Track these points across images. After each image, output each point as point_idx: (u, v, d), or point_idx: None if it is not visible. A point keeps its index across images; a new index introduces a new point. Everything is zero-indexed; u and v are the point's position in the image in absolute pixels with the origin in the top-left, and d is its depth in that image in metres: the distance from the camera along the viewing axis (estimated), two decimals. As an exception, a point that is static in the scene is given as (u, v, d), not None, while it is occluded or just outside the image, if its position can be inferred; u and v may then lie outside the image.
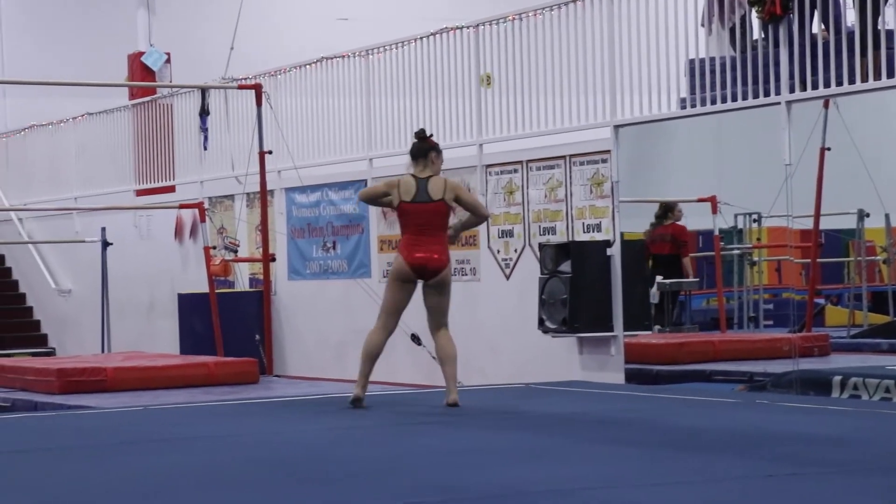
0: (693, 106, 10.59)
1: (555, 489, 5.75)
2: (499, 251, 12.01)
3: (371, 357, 9.09)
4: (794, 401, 9.12)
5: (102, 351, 15.67)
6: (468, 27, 12.34)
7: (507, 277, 11.94)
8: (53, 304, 18.05)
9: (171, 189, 16.39)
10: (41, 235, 18.23)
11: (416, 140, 9.20)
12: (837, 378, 9.50)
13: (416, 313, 12.49)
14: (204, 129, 15.05)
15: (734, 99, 10.28)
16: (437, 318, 9.07)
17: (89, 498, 5.90)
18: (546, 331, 11.05)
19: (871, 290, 13.46)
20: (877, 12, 9.53)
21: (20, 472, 6.74)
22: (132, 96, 17.74)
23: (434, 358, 11.74)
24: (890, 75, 9.32)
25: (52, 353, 16.91)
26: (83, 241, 16.48)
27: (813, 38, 9.84)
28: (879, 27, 9.52)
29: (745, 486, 5.76)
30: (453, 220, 9.27)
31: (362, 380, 9.06)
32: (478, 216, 9.29)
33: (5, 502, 5.86)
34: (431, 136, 9.30)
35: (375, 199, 9.35)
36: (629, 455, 6.74)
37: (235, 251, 14.60)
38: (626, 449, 6.95)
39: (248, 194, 14.52)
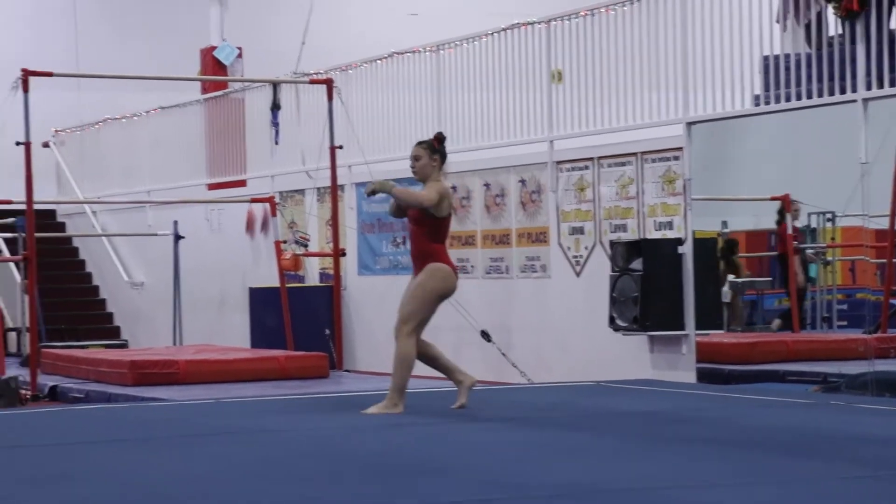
0: (767, 103, 10.50)
1: (630, 488, 5.72)
2: (569, 248, 11.98)
3: (412, 368, 8.69)
4: (869, 402, 9.01)
5: (174, 344, 15.81)
6: (540, 23, 12.31)
7: (578, 275, 11.91)
8: (126, 297, 18.23)
9: (243, 183, 16.49)
10: (114, 228, 18.41)
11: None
12: (914, 380, 9.39)
13: (484, 309, 12.51)
14: (275, 124, 15.11)
15: (809, 96, 10.18)
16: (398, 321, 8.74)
17: (160, 489, 5.95)
18: (616, 329, 11.00)
19: (949, 290, 13.26)
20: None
21: (93, 463, 6.81)
22: (204, 91, 17.87)
23: (503, 355, 11.76)
24: (969, 73, 9.19)
25: (124, 346, 17.07)
26: (156, 235, 16.63)
27: (891, 34, 9.71)
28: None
29: (821, 488, 5.70)
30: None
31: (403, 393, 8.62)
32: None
33: (78, 491, 5.93)
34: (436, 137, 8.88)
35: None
36: (703, 454, 6.70)
37: (306, 246, 14.66)
38: (700, 448, 6.91)
39: (318, 189, 14.58)
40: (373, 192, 8.79)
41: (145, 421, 8.80)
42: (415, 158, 8.74)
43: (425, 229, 8.62)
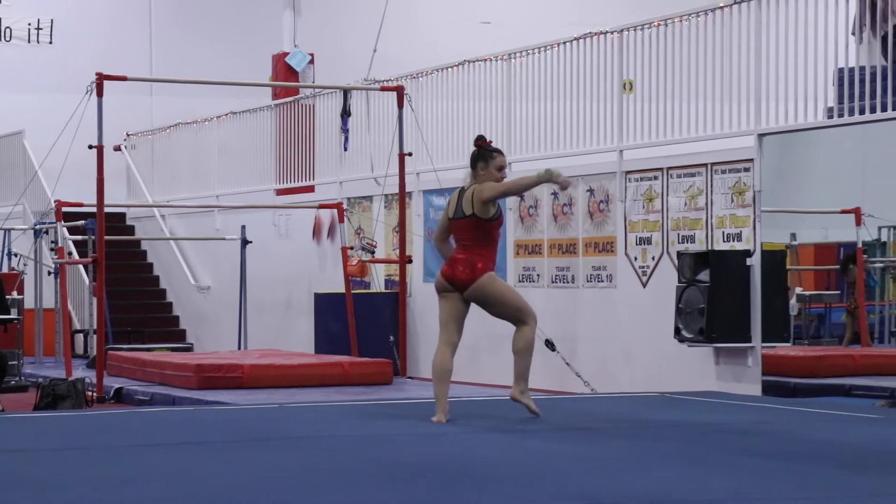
0: (840, 115, 10.38)
1: (695, 500, 5.67)
2: (636, 258, 11.91)
3: (442, 377, 8.59)
4: (937, 419, 8.89)
5: (239, 348, 15.89)
6: (612, 32, 12.26)
7: (644, 285, 11.83)
8: (192, 301, 18.35)
9: (311, 189, 16.55)
10: (182, 232, 18.55)
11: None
12: (983, 397, 9.25)
13: (549, 318, 12.46)
14: (345, 130, 15.17)
15: (883, 109, 10.06)
16: (511, 321, 8.71)
17: (223, 492, 5.97)
18: (682, 340, 10.92)
19: None
20: None
21: (156, 465, 6.85)
22: (275, 96, 17.97)
23: (567, 364, 11.72)
24: None
25: (190, 349, 17.18)
26: (223, 239, 16.73)
27: (967, 47, 9.58)
28: None
29: (887, 505, 5.63)
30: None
31: (441, 402, 8.54)
32: (513, 191, 8.95)
33: (141, 494, 5.95)
34: (490, 141, 8.75)
35: (444, 237, 8.77)
36: (768, 468, 6.62)
37: (372, 252, 14.69)
38: (765, 462, 6.83)
39: (386, 195, 14.61)
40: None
41: (209, 424, 8.84)
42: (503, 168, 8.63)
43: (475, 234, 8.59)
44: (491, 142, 8.82)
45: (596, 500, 5.66)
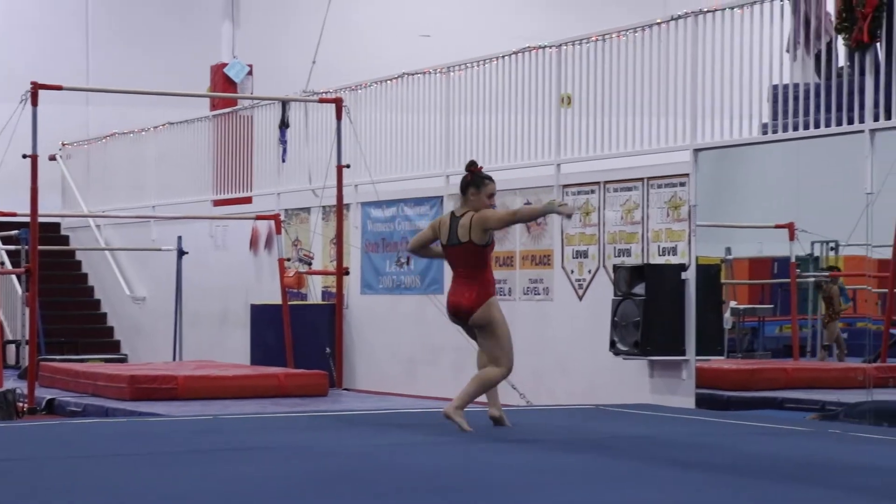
0: (775, 132, 10.50)
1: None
2: (573, 271, 11.97)
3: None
4: (867, 431, 8.98)
5: (174, 359, 15.79)
6: (550, 47, 12.32)
7: (580, 298, 11.89)
8: (127, 311, 18.22)
9: (248, 200, 16.50)
10: (118, 243, 18.42)
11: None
12: (913, 410, 9.36)
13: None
14: (283, 142, 15.15)
15: (817, 126, 10.18)
16: (488, 357, 8.70)
17: None
18: (617, 353, 10.98)
19: (950, 322, 13.24)
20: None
21: (89, 477, 6.78)
22: (213, 107, 17.90)
23: (514, 388, 11.75)
24: (976, 105, 9.18)
25: (124, 360, 17.05)
26: (159, 250, 16.63)
27: (899, 66, 9.71)
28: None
29: (817, 516, 5.68)
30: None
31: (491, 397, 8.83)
32: (521, 220, 9.21)
33: None
34: (480, 167, 8.73)
35: (424, 245, 8.89)
36: (701, 481, 6.66)
37: (309, 264, 14.66)
38: (696, 475, 6.87)
39: (324, 207, 14.59)
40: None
41: (142, 436, 8.77)
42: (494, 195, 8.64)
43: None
44: (482, 168, 8.76)
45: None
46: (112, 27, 20.35)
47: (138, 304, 18.01)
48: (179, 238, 16.15)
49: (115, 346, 18.16)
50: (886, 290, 12.28)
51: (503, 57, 12.85)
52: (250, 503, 5.92)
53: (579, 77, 12.05)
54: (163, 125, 17.70)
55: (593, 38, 11.91)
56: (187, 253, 16.07)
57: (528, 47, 12.55)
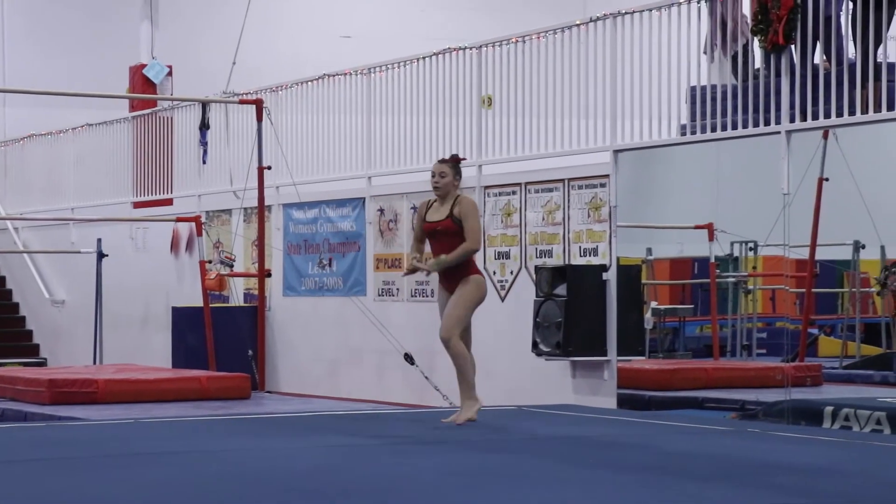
0: (693, 133, 10.60)
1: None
2: (494, 272, 12.00)
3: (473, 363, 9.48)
4: (785, 430, 9.10)
5: (94, 363, 15.64)
6: (471, 48, 12.35)
7: (502, 299, 11.92)
8: (47, 315, 18.02)
9: (169, 202, 16.38)
10: (37, 245, 18.21)
11: None
12: (829, 409, 9.49)
13: (408, 332, 12.49)
14: (203, 143, 15.04)
15: (734, 127, 10.29)
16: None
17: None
18: (539, 353, 11.03)
19: (865, 321, 13.43)
20: (878, 44, 9.54)
21: (5, 483, 6.70)
22: (132, 108, 17.75)
23: (427, 378, 11.76)
24: (889, 107, 9.33)
25: (43, 364, 16.87)
26: (79, 252, 16.46)
27: (814, 68, 9.84)
28: (880, 59, 9.53)
29: (735, 515, 5.74)
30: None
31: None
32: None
33: (-9, 511, 5.83)
34: (457, 157, 9.44)
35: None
36: (621, 480, 6.71)
37: (231, 266, 14.58)
38: (618, 474, 6.92)
39: (245, 209, 14.52)
40: (414, 271, 9.49)
41: (62, 441, 8.68)
42: (440, 175, 9.20)
43: (461, 241, 9.12)
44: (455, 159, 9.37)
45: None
46: (29, 28, 20.10)
47: (58, 308, 17.81)
48: (99, 240, 16.00)
49: (34, 350, 17.95)
50: (804, 290, 12.45)
51: (424, 58, 12.86)
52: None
53: (500, 78, 12.09)
54: (81, 126, 17.52)
55: (513, 40, 11.96)
56: (107, 255, 15.92)
57: (449, 49, 12.57)
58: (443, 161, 9.30)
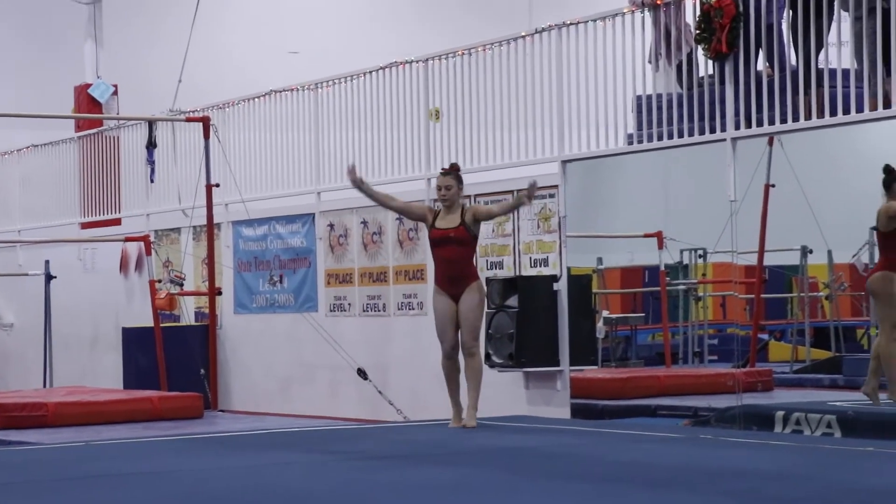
0: (640, 142, 10.64)
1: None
2: (446, 285, 11.98)
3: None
4: (737, 436, 9.14)
5: (45, 385, 15.51)
6: (417, 62, 12.35)
7: (454, 312, 11.90)
8: (-4, 338, 17.85)
9: (117, 222, 16.28)
10: (-17, 268, 18.03)
11: None
12: (780, 413, 9.55)
13: (361, 347, 12.47)
14: (151, 162, 14.98)
15: (681, 135, 10.34)
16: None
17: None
18: (493, 365, 11.03)
19: (814, 325, 13.56)
20: (819, 50, 9.63)
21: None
22: (78, 128, 17.62)
23: (380, 393, 11.74)
24: (832, 113, 9.41)
25: (-7, 388, 16.69)
26: (26, 275, 16.32)
27: (758, 75, 9.92)
28: (821, 65, 9.62)
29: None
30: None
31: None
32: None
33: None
34: (456, 166, 10.03)
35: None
36: (576, 490, 6.72)
37: (181, 284, 14.50)
38: (573, 484, 6.93)
39: (194, 227, 14.45)
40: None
41: (11, 465, 8.59)
42: (446, 188, 9.77)
43: (470, 249, 9.80)
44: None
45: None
46: (-29, 48, 19.93)
47: (6, 331, 17.64)
48: (47, 262, 15.87)
49: (-17, 375, 17.77)
50: (753, 296, 12.54)
51: (371, 72, 12.86)
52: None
53: (447, 91, 12.10)
54: (27, 147, 17.39)
55: (459, 53, 11.97)
56: (55, 277, 15.80)
57: (396, 62, 12.57)
58: (445, 173, 9.83)
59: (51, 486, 7.46)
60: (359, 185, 9.86)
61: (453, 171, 9.87)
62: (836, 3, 9.60)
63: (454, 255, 9.67)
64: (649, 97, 10.60)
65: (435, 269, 9.98)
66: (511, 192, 11.47)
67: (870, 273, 10.15)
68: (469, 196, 11.83)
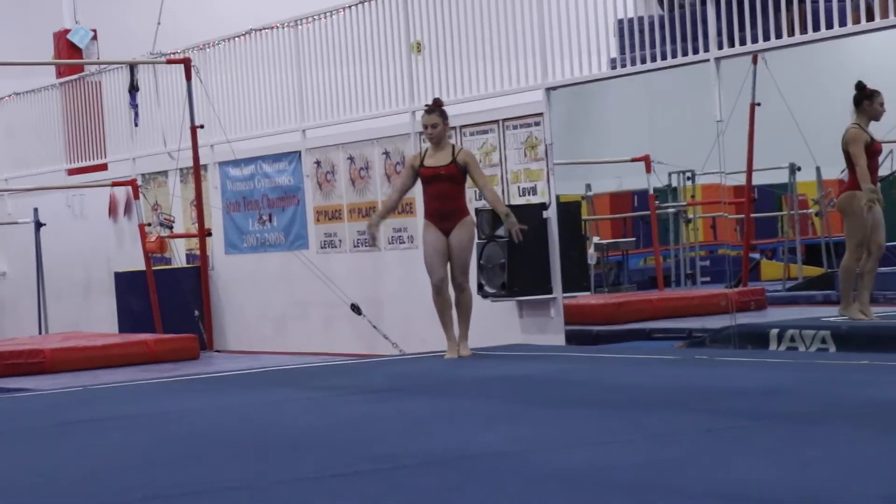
0: (623, 66, 10.61)
1: (501, 451, 5.76)
2: (435, 218, 11.98)
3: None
4: (732, 355, 9.19)
5: (40, 333, 15.54)
6: (397, -6, 12.27)
7: (445, 244, 11.91)
8: (-12, 288, 17.87)
9: (104, 167, 16.24)
10: (-28, 219, 18.00)
11: None
12: (774, 331, 9.59)
13: (353, 283, 12.50)
14: (134, 106, 14.91)
15: (664, 57, 10.31)
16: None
17: (31, 480, 5.84)
18: (485, 296, 11.06)
19: (805, 243, 13.59)
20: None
21: (-40, 458, 6.66)
22: (60, 75, 17.53)
23: (375, 327, 11.78)
24: (815, 28, 9.38)
25: (-12, 337, 16.72)
26: (15, 223, 16.31)
27: (740, -6, 9.87)
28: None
29: (688, 441, 5.80)
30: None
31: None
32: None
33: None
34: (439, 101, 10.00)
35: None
36: (573, 416, 6.77)
37: (171, 227, 14.50)
38: (570, 410, 6.98)
39: (181, 170, 14.42)
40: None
41: (10, 412, 8.63)
42: (433, 126, 9.76)
43: (461, 187, 9.81)
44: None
45: (398, 459, 5.71)
46: (-52, -2, 19.78)
47: (-2, 280, 17.67)
48: (36, 210, 15.85)
49: (-23, 325, 17.80)
50: (743, 216, 12.55)
51: (351, 7, 12.78)
52: (122, 470, 5.88)
53: (428, 24, 12.04)
54: (9, 96, 17.31)
55: (440, -17, 11.89)
56: (45, 225, 15.79)
57: (376, -4, 12.49)
58: (430, 111, 9.82)
59: (49, 431, 7.49)
60: (378, 226, 10.17)
61: (437, 108, 9.84)
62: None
63: (445, 191, 9.71)
64: (631, 20, 10.55)
65: (425, 204, 9.98)
66: (496, 121, 11.45)
67: (839, 192, 10.16)
68: (455, 127, 11.81)
